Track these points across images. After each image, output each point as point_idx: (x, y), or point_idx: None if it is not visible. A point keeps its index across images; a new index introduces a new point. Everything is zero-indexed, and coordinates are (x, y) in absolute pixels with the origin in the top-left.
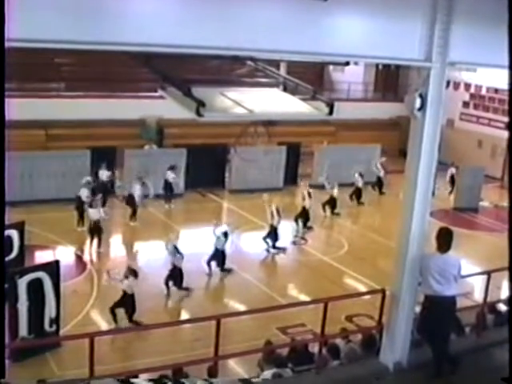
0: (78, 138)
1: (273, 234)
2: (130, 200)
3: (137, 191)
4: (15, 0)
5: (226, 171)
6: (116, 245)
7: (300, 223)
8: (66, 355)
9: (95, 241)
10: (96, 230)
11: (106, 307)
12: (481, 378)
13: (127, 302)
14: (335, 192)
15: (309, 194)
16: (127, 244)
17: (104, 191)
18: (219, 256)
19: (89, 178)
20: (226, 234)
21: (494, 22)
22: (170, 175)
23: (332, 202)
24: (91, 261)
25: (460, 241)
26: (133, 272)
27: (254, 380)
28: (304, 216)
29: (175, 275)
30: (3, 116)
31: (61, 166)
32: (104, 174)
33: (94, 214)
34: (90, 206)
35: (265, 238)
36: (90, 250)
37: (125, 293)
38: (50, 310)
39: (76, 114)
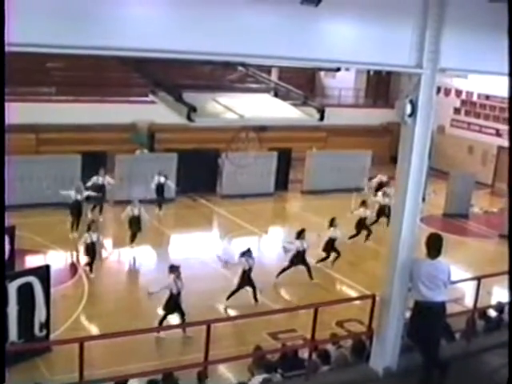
0: (69, 142)
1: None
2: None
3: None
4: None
5: (216, 176)
6: (108, 249)
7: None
8: (56, 360)
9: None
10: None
11: (96, 311)
12: (470, 383)
13: (174, 302)
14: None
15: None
16: (119, 248)
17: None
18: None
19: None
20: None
21: (485, 29)
22: (162, 179)
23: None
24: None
25: (450, 247)
26: (175, 268)
27: None
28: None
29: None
30: (3, 119)
31: (51, 171)
32: (100, 180)
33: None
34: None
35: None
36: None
37: (170, 293)
38: (40, 315)
39: (67, 118)
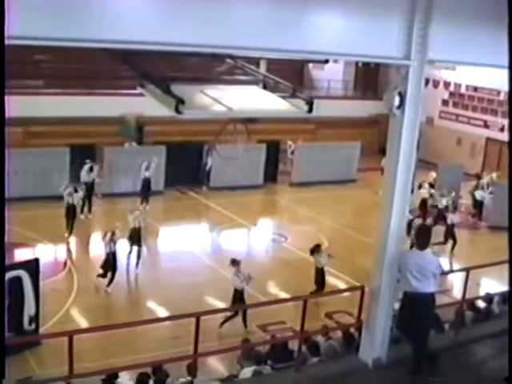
0: (58, 135)
1: None
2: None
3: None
4: None
5: (201, 169)
6: (97, 243)
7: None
8: (45, 353)
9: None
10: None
11: (85, 305)
12: (459, 374)
13: (238, 300)
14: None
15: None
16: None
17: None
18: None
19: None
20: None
21: (473, 21)
22: (146, 173)
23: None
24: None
25: (439, 238)
26: (236, 263)
27: (234, 380)
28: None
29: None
30: (3, 115)
31: (40, 164)
32: (86, 176)
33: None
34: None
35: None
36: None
37: (235, 290)
38: (29, 308)
39: (55, 111)
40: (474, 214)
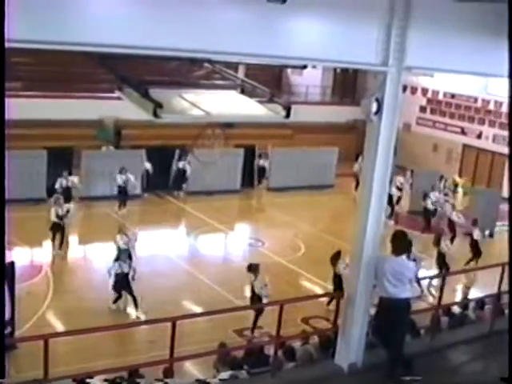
0: (35, 138)
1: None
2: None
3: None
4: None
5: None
6: (74, 246)
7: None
8: (21, 357)
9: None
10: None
11: (61, 309)
12: (434, 379)
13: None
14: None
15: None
16: (84, 245)
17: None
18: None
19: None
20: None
21: (451, 28)
22: (122, 177)
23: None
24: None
25: (415, 244)
26: (254, 268)
27: (209, 380)
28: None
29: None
30: (3, 116)
31: (17, 167)
32: (64, 182)
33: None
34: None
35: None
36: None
37: (253, 292)
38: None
39: (33, 113)
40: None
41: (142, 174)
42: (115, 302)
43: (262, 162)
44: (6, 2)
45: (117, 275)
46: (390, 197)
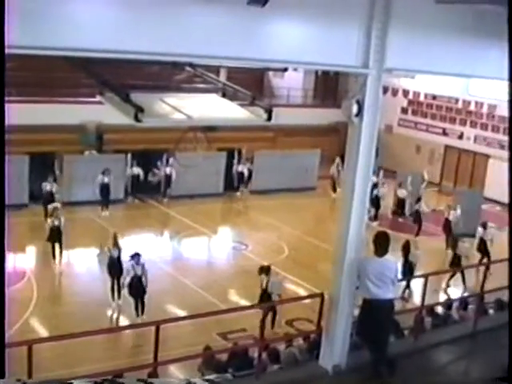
0: (17, 143)
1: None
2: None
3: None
4: None
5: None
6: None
7: None
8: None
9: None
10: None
11: (45, 314)
12: (418, 379)
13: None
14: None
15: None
16: (67, 250)
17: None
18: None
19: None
20: None
21: (431, 30)
22: (105, 179)
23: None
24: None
25: (398, 245)
26: (267, 269)
27: (194, 380)
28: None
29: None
30: (3, 119)
31: None
32: (48, 186)
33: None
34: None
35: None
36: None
37: (264, 291)
38: None
39: (14, 118)
40: (394, 211)
41: (126, 179)
42: (136, 309)
43: (240, 167)
44: (6, 7)
45: (132, 279)
46: (377, 198)
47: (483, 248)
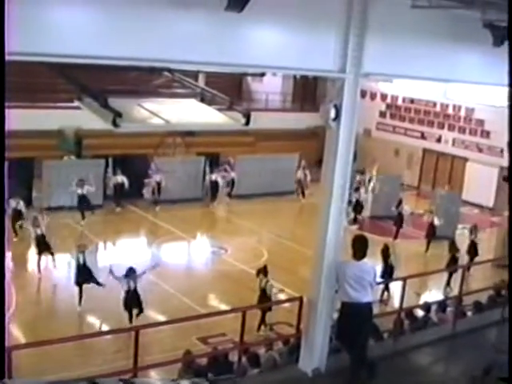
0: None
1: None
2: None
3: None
4: None
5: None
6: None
7: None
8: None
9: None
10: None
11: (23, 320)
12: (398, 381)
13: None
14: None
15: None
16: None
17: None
18: None
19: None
20: None
21: (408, 35)
22: (85, 188)
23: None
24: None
25: (377, 248)
26: (265, 270)
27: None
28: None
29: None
30: (3, 123)
31: None
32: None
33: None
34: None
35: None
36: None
37: (263, 292)
38: None
39: None
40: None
41: (106, 185)
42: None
43: (214, 176)
44: (6, 13)
45: (127, 292)
46: (358, 202)
47: (473, 251)
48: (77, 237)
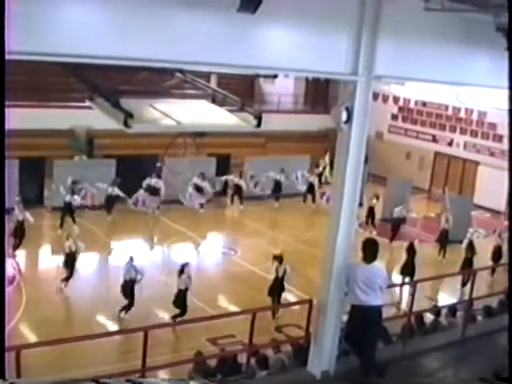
0: (6, 147)
1: None
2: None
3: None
4: None
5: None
6: (47, 256)
7: None
8: None
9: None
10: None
11: (34, 319)
12: None
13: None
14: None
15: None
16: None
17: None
18: None
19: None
20: None
21: (420, 37)
22: (115, 189)
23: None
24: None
25: (388, 251)
26: (279, 258)
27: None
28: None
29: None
30: (3, 123)
31: None
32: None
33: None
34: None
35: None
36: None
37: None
38: None
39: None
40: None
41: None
42: (124, 310)
43: (199, 181)
44: (9, 13)
45: (125, 281)
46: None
47: (497, 255)
48: (86, 236)
